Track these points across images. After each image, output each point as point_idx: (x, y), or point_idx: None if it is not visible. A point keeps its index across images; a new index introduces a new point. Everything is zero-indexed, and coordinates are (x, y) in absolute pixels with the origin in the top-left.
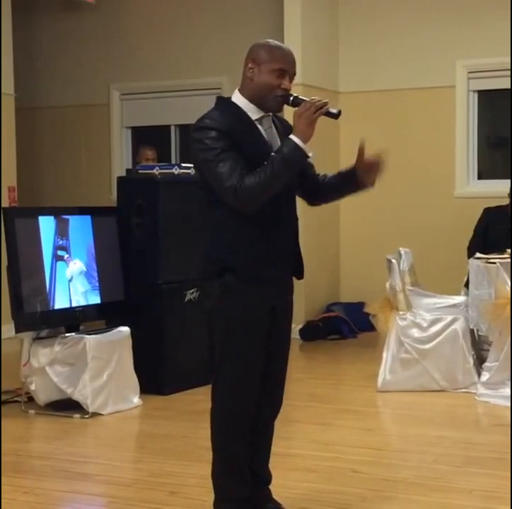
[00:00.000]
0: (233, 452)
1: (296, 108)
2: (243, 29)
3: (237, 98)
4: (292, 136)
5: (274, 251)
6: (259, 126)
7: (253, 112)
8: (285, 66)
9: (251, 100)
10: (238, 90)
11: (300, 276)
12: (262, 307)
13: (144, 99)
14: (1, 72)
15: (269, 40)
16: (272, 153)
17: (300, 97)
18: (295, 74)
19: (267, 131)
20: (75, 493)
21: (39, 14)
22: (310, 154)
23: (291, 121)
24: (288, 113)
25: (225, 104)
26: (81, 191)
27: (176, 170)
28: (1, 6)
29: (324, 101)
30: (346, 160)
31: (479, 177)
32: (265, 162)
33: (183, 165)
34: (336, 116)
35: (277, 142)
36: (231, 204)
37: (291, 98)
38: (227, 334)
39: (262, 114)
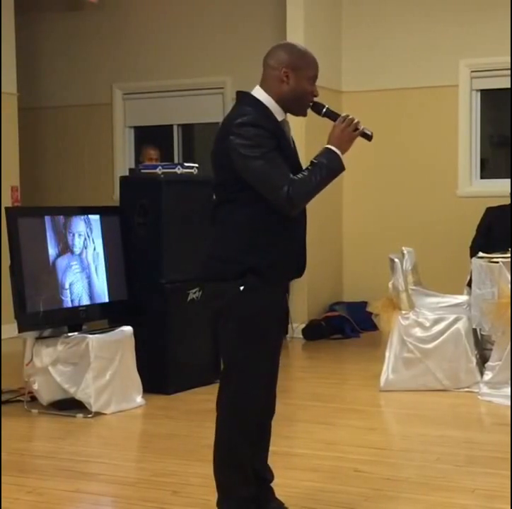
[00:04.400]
0: (238, 452)
1: (332, 120)
2: (246, 28)
3: (262, 96)
4: (333, 148)
5: (293, 250)
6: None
7: (278, 114)
8: (317, 72)
9: (278, 101)
10: (261, 87)
11: (301, 273)
12: (278, 308)
13: (147, 98)
14: (4, 71)
15: (296, 44)
16: (313, 160)
17: (331, 109)
18: None
19: (287, 133)
20: (78, 493)
21: (42, 13)
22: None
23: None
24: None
25: (252, 101)
26: (84, 190)
27: (179, 170)
28: (1, 5)
29: (357, 120)
30: (349, 160)
31: (482, 176)
32: (304, 168)
33: (186, 164)
34: (370, 138)
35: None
36: (279, 206)
37: (324, 110)
38: (240, 334)
39: (284, 116)
